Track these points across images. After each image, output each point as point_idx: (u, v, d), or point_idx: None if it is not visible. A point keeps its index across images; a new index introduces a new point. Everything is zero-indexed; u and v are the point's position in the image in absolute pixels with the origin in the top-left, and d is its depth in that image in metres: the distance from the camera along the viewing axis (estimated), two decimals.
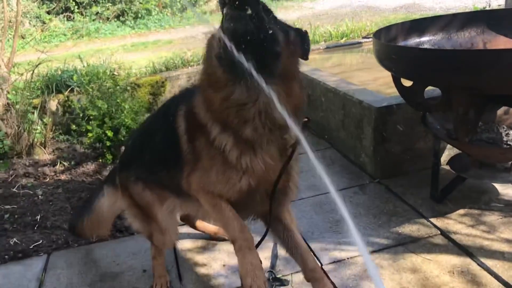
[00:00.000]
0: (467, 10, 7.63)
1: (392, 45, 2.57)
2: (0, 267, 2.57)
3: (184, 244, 2.55)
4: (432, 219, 2.56)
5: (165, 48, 8.11)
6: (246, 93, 1.50)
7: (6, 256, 2.65)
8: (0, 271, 2.53)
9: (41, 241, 2.78)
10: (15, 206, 3.20)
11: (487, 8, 6.13)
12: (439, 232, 2.44)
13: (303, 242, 1.88)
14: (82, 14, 12.35)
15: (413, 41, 2.95)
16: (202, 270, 2.35)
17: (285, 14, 10.89)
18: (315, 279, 1.83)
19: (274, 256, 2.38)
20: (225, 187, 1.67)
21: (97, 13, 12.39)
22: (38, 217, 3.03)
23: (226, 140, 1.60)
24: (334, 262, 2.31)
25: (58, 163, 3.85)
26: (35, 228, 2.93)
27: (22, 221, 3.01)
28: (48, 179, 3.64)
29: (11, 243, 2.75)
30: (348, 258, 2.32)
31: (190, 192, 1.80)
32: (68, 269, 2.49)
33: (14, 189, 3.45)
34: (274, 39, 1.48)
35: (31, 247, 2.72)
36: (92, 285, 2.35)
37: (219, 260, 2.40)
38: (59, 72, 5.01)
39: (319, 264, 1.91)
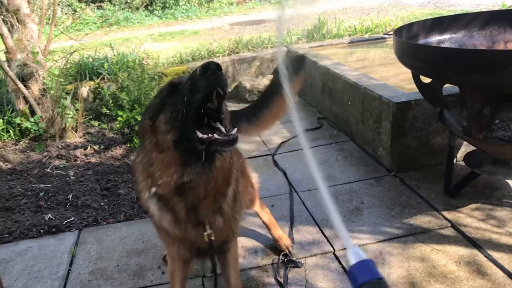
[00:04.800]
0: (495, 7, 7.53)
1: (410, 43, 2.64)
2: (36, 240, 2.78)
3: None
4: (443, 212, 2.65)
5: (191, 39, 8.26)
6: (193, 176, 1.46)
7: (41, 230, 2.86)
8: (36, 243, 2.75)
9: (72, 218, 2.98)
10: (49, 185, 3.42)
11: None
12: (450, 225, 2.53)
13: (232, 263, 1.97)
14: (111, 3, 12.64)
15: (434, 38, 3.00)
16: None
17: (311, 7, 10.91)
18: None
19: (291, 241, 2.52)
20: (169, 250, 1.82)
21: (126, 2, 12.66)
22: (70, 196, 3.24)
23: (156, 209, 1.62)
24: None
25: (88, 147, 4.07)
26: (67, 206, 3.14)
27: (55, 199, 3.23)
28: (79, 161, 3.85)
29: (46, 218, 2.96)
30: (360, 245, 2.43)
31: None
32: (97, 244, 2.69)
33: (48, 170, 3.68)
34: (222, 109, 1.46)
35: (64, 223, 2.92)
36: (119, 260, 2.53)
37: (238, 242, 2.54)
38: (91, 60, 5.23)
39: None
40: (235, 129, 1.42)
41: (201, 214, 1.59)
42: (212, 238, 1.64)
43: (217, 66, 1.33)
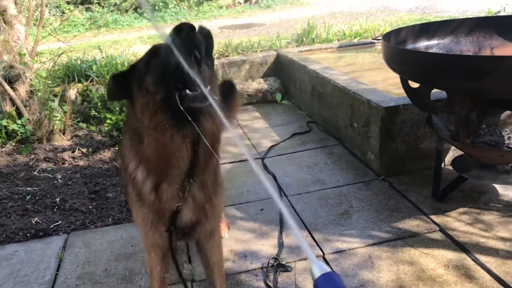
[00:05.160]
0: (482, 14, 7.65)
1: (398, 48, 2.67)
2: (22, 244, 2.74)
3: None
4: (432, 216, 2.67)
5: None
6: (181, 138, 1.49)
7: (28, 234, 2.82)
8: (22, 247, 2.71)
9: (60, 221, 2.94)
10: (36, 188, 3.38)
11: (501, 13, 6.16)
12: (438, 229, 2.56)
13: (218, 282, 2.00)
14: (100, 5, 12.56)
15: (422, 44, 3.04)
16: None
17: (301, 11, 10.97)
18: None
19: (280, 245, 2.53)
20: (148, 230, 1.77)
21: (115, 4, 12.59)
22: (58, 199, 3.20)
23: (141, 176, 1.65)
24: (336, 252, 2.43)
25: (77, 150, 4.02)
26: (55, 209, 3.10)
27: (43, 202, 3.18)
28: (66, 164, 3.81)
29: (33, 222, 2.92)
30: (349, 249, 2.44)
31: None
32: (85, 248, 2.66)
33: (35, 172, 3.63)
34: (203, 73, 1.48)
35: (51, 226, 2.88)
36: (107, 264, 2.51)
37: (227, 246, 2.54)
38: (79, 62, 5.18)
39: None
40: (208, 87, 1.44)
41: (182, 180, 1.60)
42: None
43: (191, 27, 1.36)
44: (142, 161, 1.63)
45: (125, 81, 1.58)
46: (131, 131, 1.66)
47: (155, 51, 1.49)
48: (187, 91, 1.42)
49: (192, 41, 1.37)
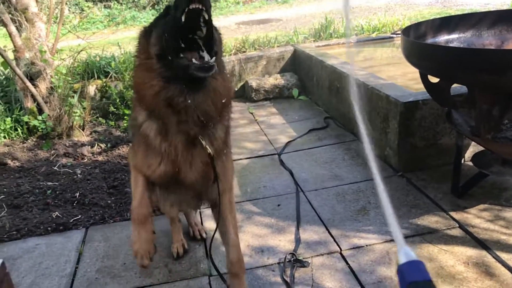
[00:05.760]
0: (504, 7, 7.48)
1: (418, 42, 2.63)
2: (43, 237, 2.80)
3: (212, 225, 2.71)
4: (451, 213, 2.64)
5: None
6: (179, 91, 1.60)
7: (49, 228, 2.87)
8: (43, 240, 2.76)
9: (80, 216, 3.00)
10: (56, 183, 3.44)
11: None
12: (458, 225, 2.52)
13: (233, 233, 2.02)
14: (119, 2, 12.68)
15: (442, 38, 2.99)
16: None
17: (318, 6, 10.89)
18: (231, 273, 2.03)
19: (297, 241, 2.52)
20: (146, 169, 1.84)
21: (133, 1, 12.70)
22: (77, 194, 3.25)
23: (148, 126, 1.75)
24: (353, 248, 2.42)
25: (96, 145, 4.08)
26: (74, 204, 3.15)
27: (63, 197, 3.24)
28: (86, 159, 3.87)
29: (53, 216, 2.98)
30: (366, 245, 2.43)
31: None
32: (104, 242, 2.70)
33: (55, 168, 3.70)
34: (213, 38, 1.60)
35: (71, 221, 2.94)
36: (125, 258, 2.54)
37: (244, 241, 2.55)
38: (98, 59, 5.24)
39: (242, 263, 2.05)
40: (213, 58, 1.56)
41: (190, 126, 1.67)
42: (210, 152, 1.73)
43: None
44: (143, 104, 1.72)
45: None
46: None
47: (167, 9, 1.61)
48: (193, 60, 1.54)
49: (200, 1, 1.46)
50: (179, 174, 1.79)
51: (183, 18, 1.47)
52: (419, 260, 0.88)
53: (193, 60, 1.54)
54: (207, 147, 1.73)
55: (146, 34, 1.69)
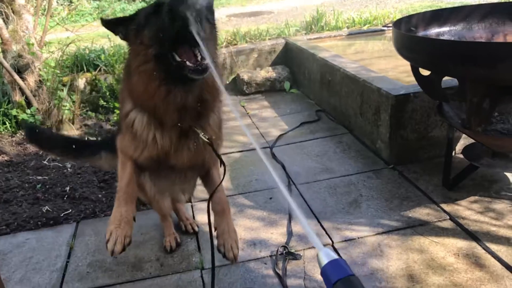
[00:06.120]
0: (495, 0, 7.51)
1: (409, 35, 2.63)
2: (34, 232, 2.78)
3: (204, 218, 2.70)
4: (442, 205, 2.65)
5: None
6: (183, 92, 1.63)
7: (39, 222, 2.85)
8: (34, 235, 2.74)
9: (70, 210, 2.97)
10: (46, 177, 3.41)
11: None
12: (448, 217, 2.54)
13: (217, 177, 2.05)
14: None
15: (434, 31, 2.99)
16: None
17: None
18: (216, 211, 1.99)
19: (289, 233, 2.53)
20: (134, 152, 1.86)
21: None
22: (67, 188, 3.22)
23: (136, 117, 1.77)
24: (345, 240, 2.43)
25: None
26: (65, 198, 3.12)
27: (53, 191, 3.21)
28: None
29: (44, 210, 2.95)
30: (358, 238, 2.44)
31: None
32: (95, 236, 2.68)
33: (45, 162, 3.66)
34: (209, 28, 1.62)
35: (62, 215, 2.91)
36: None
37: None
38: (87, 52, 5.18)
39: (226, 200, 2.05)
40: (207, 60, 1.53)
41: (186, 120, 1.70)
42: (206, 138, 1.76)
43: None
44: (133, 98, 1.75)
45: (120, 24, 1.74)
46: (126, 72, 1.78)
47: (157, 7, 1.57)
48: (187, 63, 1.54)
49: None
50: (169, 159, 1.82)
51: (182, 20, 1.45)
52: (340, 258, 0.90)
53: (187, 62, 1.55)
54: (202, 136, 1.75)
55: (136, 29, 1.66)
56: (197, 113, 1.71)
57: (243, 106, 4.85)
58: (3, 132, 4.28)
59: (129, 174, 1.91)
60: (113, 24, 1.76)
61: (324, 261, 0.91)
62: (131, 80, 1.70)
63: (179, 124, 1.71)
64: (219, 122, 1.88)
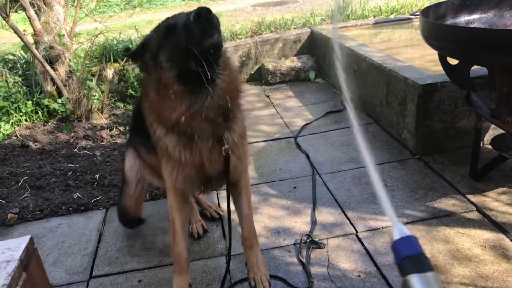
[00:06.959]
0: None
1: (437, 23, 2.59)
2: (65, 217, 2.88)
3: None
4: (469, 196, 2.62)
5: None
6: (199, 102, 1.66)
7: (70, 208, 2.95)
8: (65, 220, 2.85)
9: (100, 197, 3.07)
10: (77, 165, 3.52)
11: None
12: (475, 208, 2.51)
13: (247, 208, 2.14)
14: None
15: (463, 19, 2.93)
16: None
17: None
18: (245, 246, 2.19)
19: (313, 222, 2.55)
20: (176, 179, 1.90)
21: None
22: (97, 175, 3.32)
23: (169, 140, 1.80)
24: (369, 230, 2.43)
25: (114, 128, 4.14)
26: (94, 185, 3.22)
27: (83, 178, 3.32)
28: (105, 141, 3.93)
29: (74, 197, 3.06)
30: (382, 228, 2.44)
31: None
32: None
33: (75, 150, 3.77)
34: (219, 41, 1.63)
35: (92, 201, 3.01)
36: (145, 238, 2.61)
37: (260, 222, 2.58)
38: (115, 42, 5.27)
39: (255, 234, 2.21)
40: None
41: (214, 130, 1.75)
42: (229, 151, 1.82)
43: (208, 11, 1.53)
44: (161, 122, 1.78)
45: (139, 55, 1.78)
46: (148, 100, 1.81)
47: (168, 29, 1.63)
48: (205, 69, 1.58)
49: (212, 24, 1.55)
50: (205, 171, 1.87)
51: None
52: (412, 235, 0.92)
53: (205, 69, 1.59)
54: (226, 144, 1.80)
55: (152, 57, 1.69)
56: (222, 115, 1.74)
57: (268, 96, 4.86)
58: (36, 121, 4.42)
59: (180, 235, 2.08)
60: (135, 57, 1.84)
61: (397, 236, 0.93)
62: (156, 106, 1.74)
63: (209, 132, 1.75)
64: (242, 121, 1.91)
